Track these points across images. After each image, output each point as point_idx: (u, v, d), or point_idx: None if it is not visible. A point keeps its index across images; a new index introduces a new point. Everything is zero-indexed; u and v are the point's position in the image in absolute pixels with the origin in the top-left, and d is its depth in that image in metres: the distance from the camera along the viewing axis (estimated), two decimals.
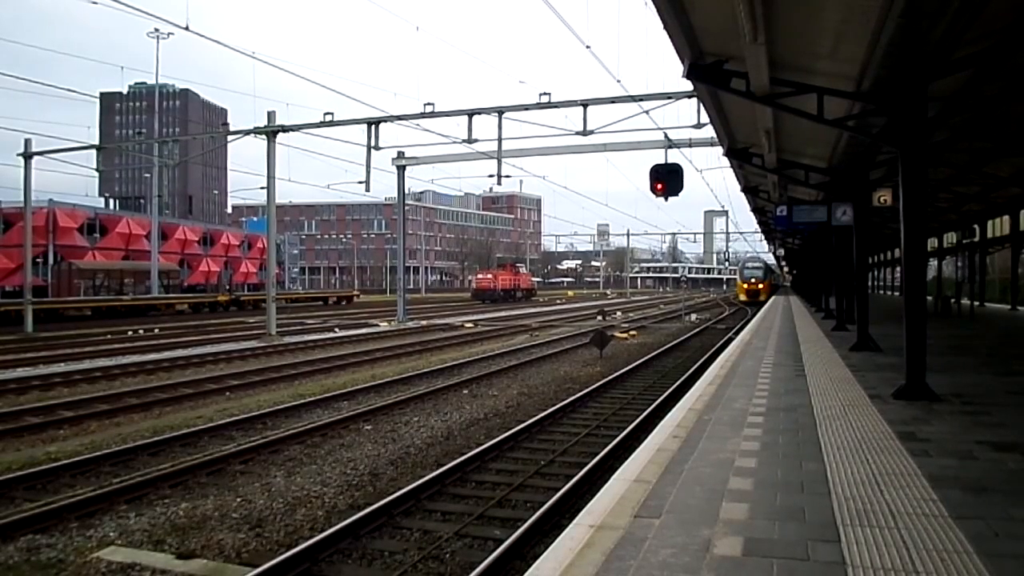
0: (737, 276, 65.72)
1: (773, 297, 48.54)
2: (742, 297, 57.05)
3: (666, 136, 22.58)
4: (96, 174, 33.32)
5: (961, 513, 3.99)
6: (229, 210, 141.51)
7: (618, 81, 23.99)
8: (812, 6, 7.01)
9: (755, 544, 3.61)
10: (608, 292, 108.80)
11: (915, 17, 6.55)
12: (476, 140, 23.79)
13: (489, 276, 67.93)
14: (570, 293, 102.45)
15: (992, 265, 29.27)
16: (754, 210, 29.41)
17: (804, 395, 8.02)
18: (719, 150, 16.55)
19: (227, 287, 57.27)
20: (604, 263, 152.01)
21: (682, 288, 72.03)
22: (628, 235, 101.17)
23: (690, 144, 23.23)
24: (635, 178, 30.96)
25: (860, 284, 15.01)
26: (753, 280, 56.42)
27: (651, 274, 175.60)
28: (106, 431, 10.68)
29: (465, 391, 14.08)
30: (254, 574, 5.18)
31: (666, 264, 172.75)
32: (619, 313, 45.88)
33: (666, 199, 15.11)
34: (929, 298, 21.62)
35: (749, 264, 60.08)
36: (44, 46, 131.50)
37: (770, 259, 68.29)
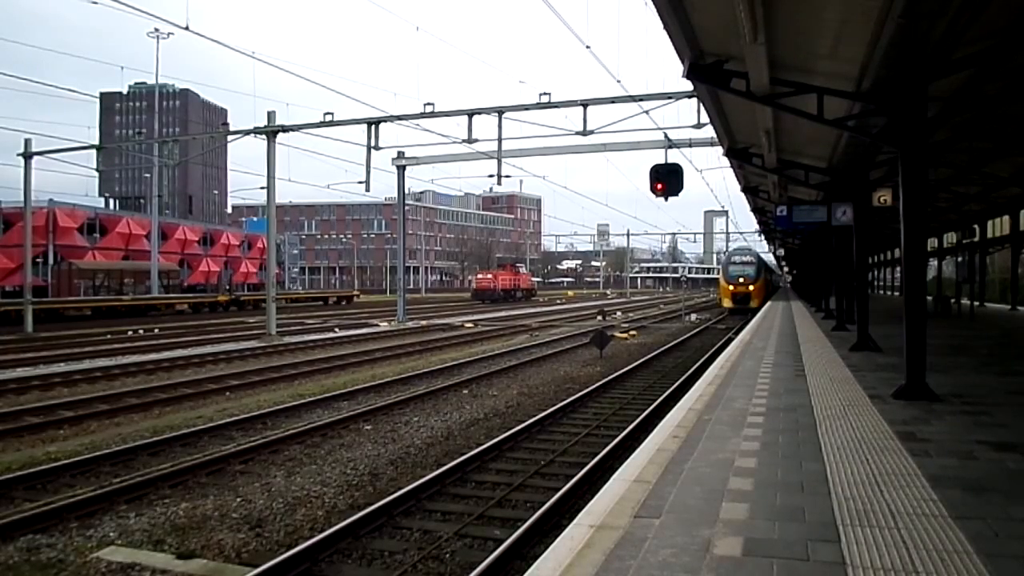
0: (720, 275, 46.95)
1: (769, 302, 38.35)
2: (726, 303, 42.55)
3: (666, 136, 22.59)
4: (96, 174, 33.46)
5: (961, 513, 3.99)
6: (229, 210, 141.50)
7: (618, 81, 24.09)
8: (812, 6, 7.01)
9: (755, 544, 3.61)
10: (608, 292, 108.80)
11: (915, 17, 6.54)
12: (476, 140, 23.80)
13: (489, 276, 67.79)
14: (570, 293, 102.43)
15: (992, 265, 29.27)
16: (754, 210, 29.41)
17: (804, 395, 8.02)
18: (719, 150, 16.55)
19: (227, 287, 57.23)
20: (604, 263, 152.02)
21: (682, 288, 71.23)
22: (628, 235, 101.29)
23: (690, 144, 23.26)
24: (635, 178, 31.08)
25: (860, 284, 15.00)
26: (741, 280, 42.00)
27: (651, 274, 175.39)
28: (106, 431, 10.69)
29: (465, 391, 14.08)
30: (254, 574, 5.18)
31: (666, 264, 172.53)
32: (619, 313, 45.86)
33: (666, 199, 15.10)
34: (929, 298, 21.61)
35: (736, 259, 43.93)
36: (44, 46, 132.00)
37: (770, 259, 63.22)
